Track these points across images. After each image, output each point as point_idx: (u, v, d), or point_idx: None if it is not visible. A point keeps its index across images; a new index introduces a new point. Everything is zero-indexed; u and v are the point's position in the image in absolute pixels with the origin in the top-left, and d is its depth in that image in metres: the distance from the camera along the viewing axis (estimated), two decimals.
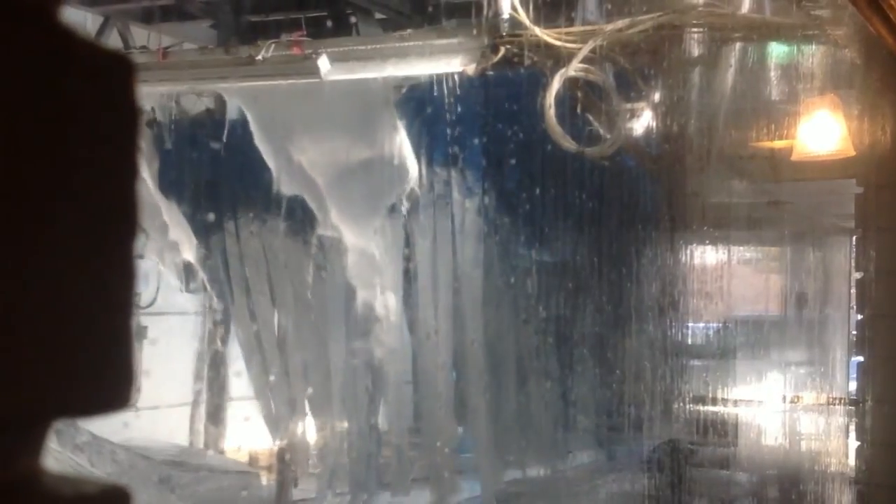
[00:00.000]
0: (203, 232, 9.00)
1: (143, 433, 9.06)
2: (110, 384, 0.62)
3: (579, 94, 6.75)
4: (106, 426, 8.61)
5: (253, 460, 9.42)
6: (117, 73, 0.63)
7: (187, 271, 9.09)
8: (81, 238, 0.61)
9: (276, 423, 8.91)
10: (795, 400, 7.52)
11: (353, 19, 8.33)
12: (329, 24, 8.38)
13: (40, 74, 0.58)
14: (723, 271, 7.53)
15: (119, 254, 0.63)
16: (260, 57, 7.25)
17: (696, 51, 6.74)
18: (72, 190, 0.60)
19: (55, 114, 0.59)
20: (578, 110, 6.84)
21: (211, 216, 8.96)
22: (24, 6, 0.58)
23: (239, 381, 9.44)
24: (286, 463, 8.92)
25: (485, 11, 6.55)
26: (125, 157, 0.64)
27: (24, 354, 0.57)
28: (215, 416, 9.45)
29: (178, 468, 8.39)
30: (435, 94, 7.46)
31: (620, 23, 6.29)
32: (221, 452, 9.44)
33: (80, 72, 0.60)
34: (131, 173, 0.64)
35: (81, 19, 8.41)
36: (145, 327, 9.61)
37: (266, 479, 9.23)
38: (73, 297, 0.60)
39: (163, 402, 9.13)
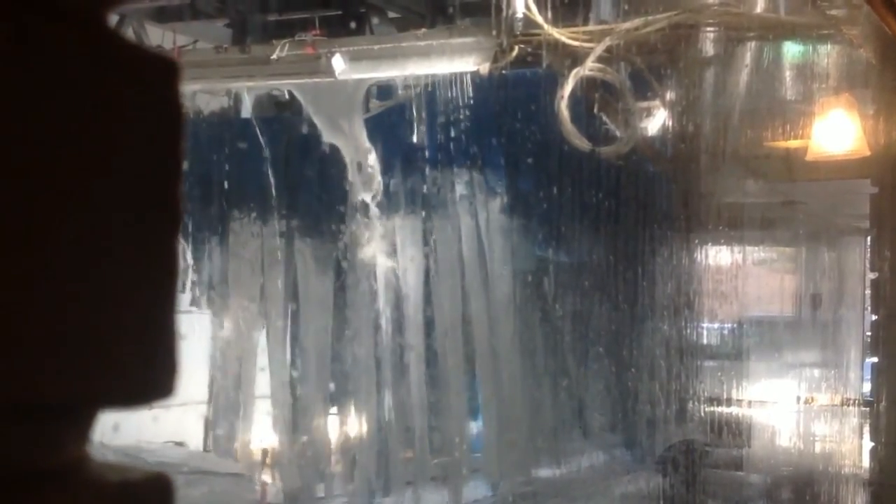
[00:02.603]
0: (213, 231, 9.00)
1: (171, 429, 9.09)
2: (155, 374, 0.64)
3: (595, 94, 6.75)
4: (137, 421, 8.63)
5: (267, 458, 9.38)
6: (162, 74, 0.65)
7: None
8: (127, 232, 0.63)
9: (293, 422, 8.91)
10: (809, 401, 7.51)
11: (374, 20, 8.34)
12: (344, 23, 8.39)
13: (89, 75, 0.60)
14: (737, 271, 7.52)
15: (163, 248, 0.65)
16: (275, 56, 7.27)
17: (710, 50, 6.74)
18: (119, 186, 0.62)
19: (103, 113, 0.61)
20: (594, 110, 6.85)
21: (223, 214, 8.97)
22: (74, 11, 0.60)
23: (257, 380, 9.41)
24: (303, 461, 8.91)
25: (500, 11, 6.56)
26: (169, 154, 0.66)
27: (74, 344, 0.59)
28: (229, 414, 9.41)
29: (170, 470, 8.24)
30: (448, 93, 7.47)
31: (635, 22, 6.29)
32: (232, 451, 9.36)
33: (126, 73, 0.62)
34: (175, 170, 0.66)
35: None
36: None
37: (279, 478, 9.18)
38: (119, 289, 0.62)
39: (191, 398, 9.16)
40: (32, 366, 0.57)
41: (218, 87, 8.51)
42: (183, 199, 0.68)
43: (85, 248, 0.60)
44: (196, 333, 9.23)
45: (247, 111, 9.13)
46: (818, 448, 7.44)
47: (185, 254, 9.08)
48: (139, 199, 0.64)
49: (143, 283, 0.64)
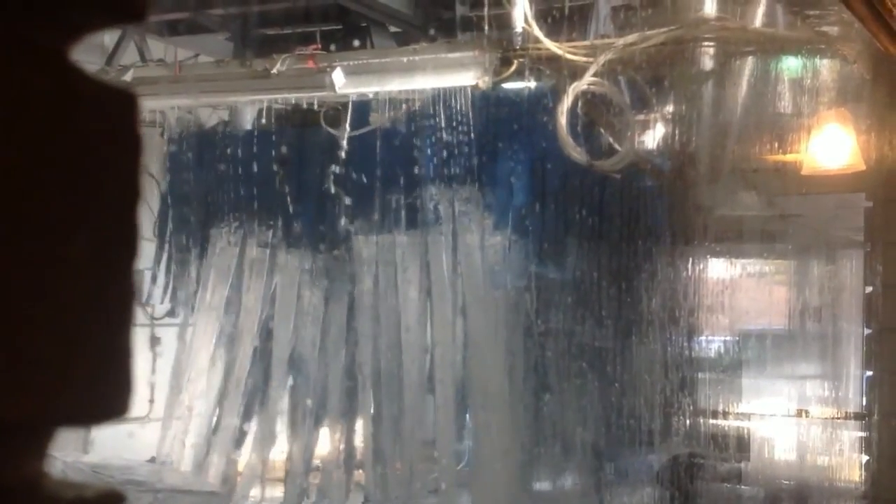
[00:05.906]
0: (194, 244, 8.98)
1: (149, 444, 8.97)
2: (109, 393, 0.67)
3: (591, 108, 6.78)
4: (112, 436, 8.60)
5: (250, 472, 9.16)
6: (121, 106, 0.68)
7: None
8: (86, 257, 0.66)
9: (274, 437, 8.83)
10: (802, 414, 7.50)
11: (366, 35, 8.36)
12: (344, 37, 8.43)
13: (52, 111, 0.63)
14: (734, 285, 7.54)
15: (120, 270, 0.68)
16: (275, 70, 7.32)
17: (707, 65, 6.77)
18: (78, 214, 0.65)
19: (65, 145, 0.64)
20: (592, 124, 6.87)
21: (204, 228, 8.94)
22: (39, 50, 0.63)
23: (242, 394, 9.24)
24: (290, 475, 8.83)
25: (499, 26, 6.60)
26: (127, 183, 0.69)
27: (31, 363, 0.62)
28: (208, 429, 9.12)
29: (138, 488, 7.98)
30: (446, 107, 7.49)
31: (632, 37, 6.33)
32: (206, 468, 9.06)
33: (87, 107, 0.65)
34: (133, 195, 0.69)
35: (98, 32, 8.44)
36: (158, 338, 9.63)
37: (259, 495, 9.01)
38: (77, 311, 0.65)
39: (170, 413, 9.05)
40: None
41: (218, 100, 8.55)
42: (141, 223, 0.71)
43: (42, 270, 0.63)
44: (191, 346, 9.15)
45: (247, 125, 9.17)
46: (811, 461, 7.43)
47: (169, 270, 9.07)
48: (97, 223, 0.67)
49: (99, 304, 0.67)
